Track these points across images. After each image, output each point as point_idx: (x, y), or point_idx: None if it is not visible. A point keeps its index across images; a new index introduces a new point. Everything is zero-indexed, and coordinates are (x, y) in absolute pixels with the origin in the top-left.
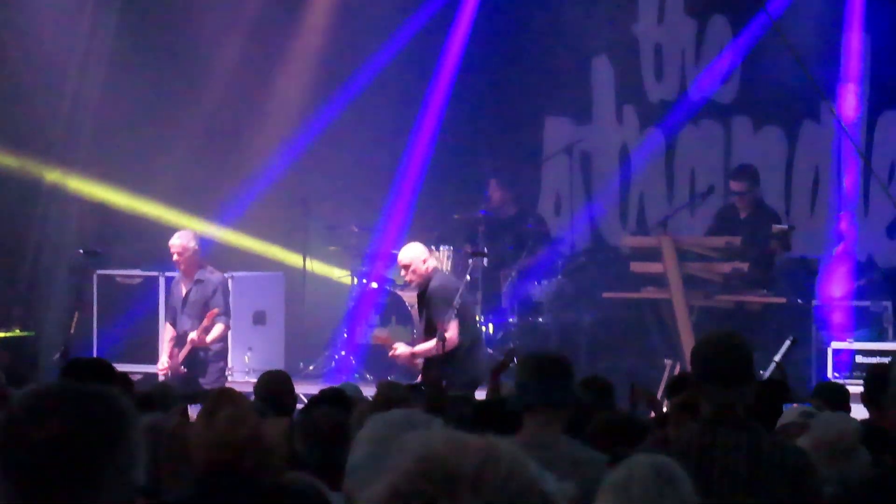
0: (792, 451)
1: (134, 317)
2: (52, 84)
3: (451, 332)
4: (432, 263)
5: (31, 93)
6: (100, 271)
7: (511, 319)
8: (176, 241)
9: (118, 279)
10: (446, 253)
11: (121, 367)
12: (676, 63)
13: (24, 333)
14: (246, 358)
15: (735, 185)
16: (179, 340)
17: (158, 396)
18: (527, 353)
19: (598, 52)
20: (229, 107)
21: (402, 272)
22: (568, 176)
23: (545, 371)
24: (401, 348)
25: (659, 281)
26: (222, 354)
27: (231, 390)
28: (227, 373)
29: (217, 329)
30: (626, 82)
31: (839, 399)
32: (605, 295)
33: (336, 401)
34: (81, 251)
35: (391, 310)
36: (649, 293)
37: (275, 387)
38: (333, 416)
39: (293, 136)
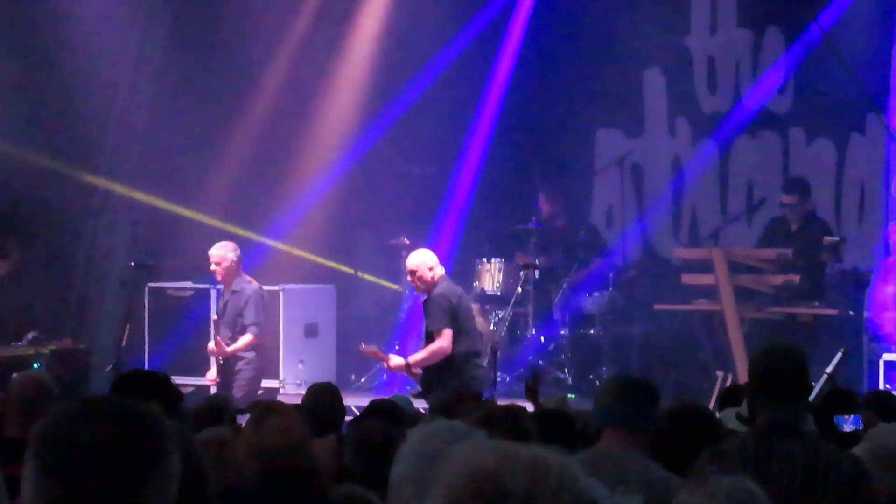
0: (848, 460)
1: (185, 329)
2: (103, 98)
3: (444, 340)
4: (439, 272)
5: (82, 107)
6: (151, 284)
7: (562, 332)
8: (214, 252)
9: (169, 292)
10: (498, 265)
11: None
12: (730, 74)
13: (76, 346)
14: (298, 370)
15: (786, 199)
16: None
17: (218, 408)
18: (613, 375)
19: (650, 65)
20: (280, 120)
21: (408, 277)
22: (619, 188)
23: (631, 394)
24: (394, 360)
25: (710, 293)
26: (254, 364)
27: (278, 402)
28: (260, 383)
29: (243, 339)
30: (678, 94)
31: (889, 407)
32: (657, 307)
33: (386, 413)
34: (133, 264)
35: None
36: (701, 305)
37: (323, 399)
38: (383, 428)
39: (345, 149)
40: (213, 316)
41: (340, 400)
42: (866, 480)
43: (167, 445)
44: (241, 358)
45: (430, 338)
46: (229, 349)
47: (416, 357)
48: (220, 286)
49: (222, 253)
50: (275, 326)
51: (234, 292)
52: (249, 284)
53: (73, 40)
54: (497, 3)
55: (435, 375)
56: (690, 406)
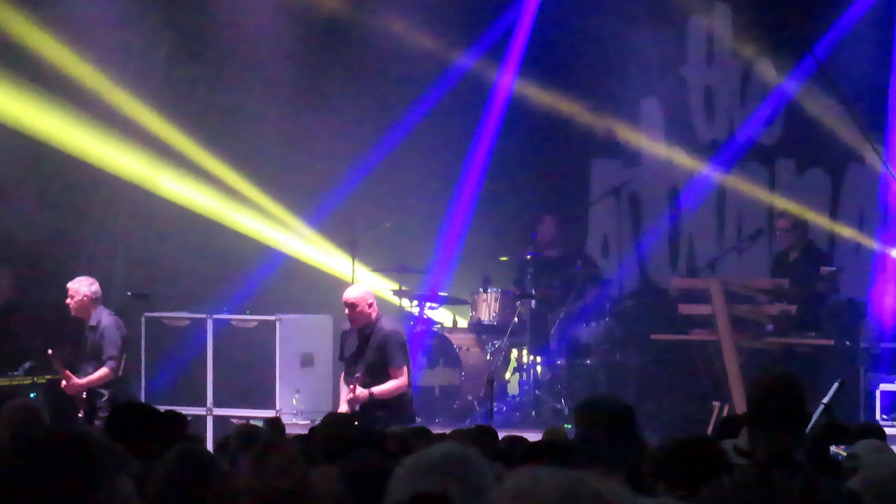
0: (846, 494)
1: (181, 359)
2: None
3: (405, 377)
4: (375, 308)
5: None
6: (147, 314)
7: (559, 361)
8: (70, 285)
9: (165, 321)
10: (494, 295)
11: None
12: (726, 104)
13: (72, 376)
14: (294, 400)
15: (780, 223)
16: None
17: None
18: (581, 404)
19: (648, 94)
20: (274, 148)
21: (346, 311)
22: (616, 217)
23: (602, 425)
24: (360, 390)
25: (707, 323)
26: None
27: (280, 439)
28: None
29: (98, 373)
30: (675, 123)
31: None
32: (654, 337)
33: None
34: (129, 293)
35: (439, 352)
36: (697, 335)
37: (335, 430)
38: (377, 459)
39: (341, 179)
40: (49, 351)
41: (353, 430)
42: None
43: (98, 474)
44: (101, 394)
45: (376, 371)
46: (82, 381)
47: (380, 389)
48: (216, 316)
49: (76, 286)
50: (271, 356)
51: (91, 327)
52: (108, 318)
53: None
54: (494, 32)
55: (385, 408)
56: (696, 438)
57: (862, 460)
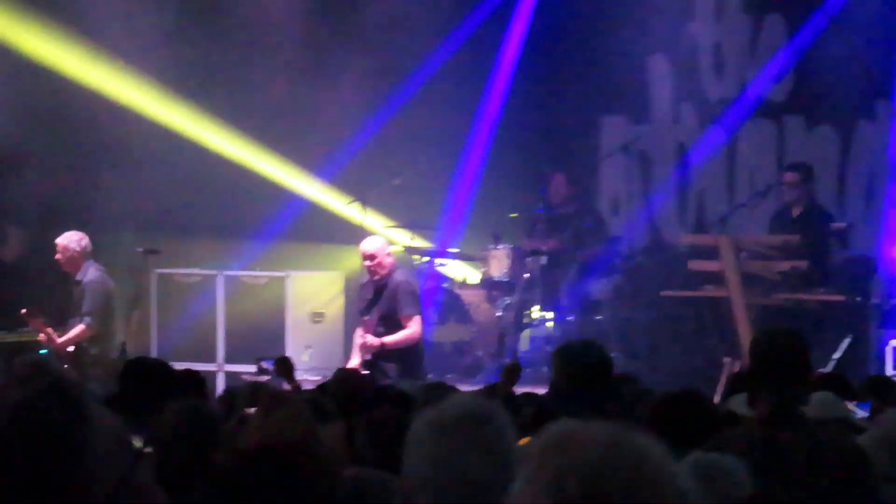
0: (850, 449)
1: (192, 315)
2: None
3: (417, 325)
4: (392, 259)
5: (86, 98)
6: (158, 270)
7: (570, 317)
8: (59, 240)
9: (176, 278)
10: (504, 251)
11: (179, 366)
12: (735, 61)
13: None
14: (304, 356)
15: (787, 177)
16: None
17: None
18: (558, 349)
19: (655, 51)
20: (284, 109)
21: (365, 262)
22: (625, 175)
23: (580, 378)
24: (370, 338)
25: (717, 279)
26: (96, 359)
27: (286, 392)
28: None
29: (74, 330)
30: (683, 81)
31: (887, 391)
32: (664, 293)
33: (397, 400)
34: (140, 250)
35: (449, 308)
36: (708, 291)
37: (348, 386)
38: (395, 416)
39: (349, 136)
40: (23, 310)
41: (365, 386)
42: (868, 469)
43: (80, 411)
44: (85, 353)
45: (387, 321)
46: (60, 340)
47: (392, 339)
48: (227, 272)
49: (64, 242)
50: (282, 312)
51: (76, 282)
52: (93, 272)
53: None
54: None
55: (398, 357)
56: (689, 393)
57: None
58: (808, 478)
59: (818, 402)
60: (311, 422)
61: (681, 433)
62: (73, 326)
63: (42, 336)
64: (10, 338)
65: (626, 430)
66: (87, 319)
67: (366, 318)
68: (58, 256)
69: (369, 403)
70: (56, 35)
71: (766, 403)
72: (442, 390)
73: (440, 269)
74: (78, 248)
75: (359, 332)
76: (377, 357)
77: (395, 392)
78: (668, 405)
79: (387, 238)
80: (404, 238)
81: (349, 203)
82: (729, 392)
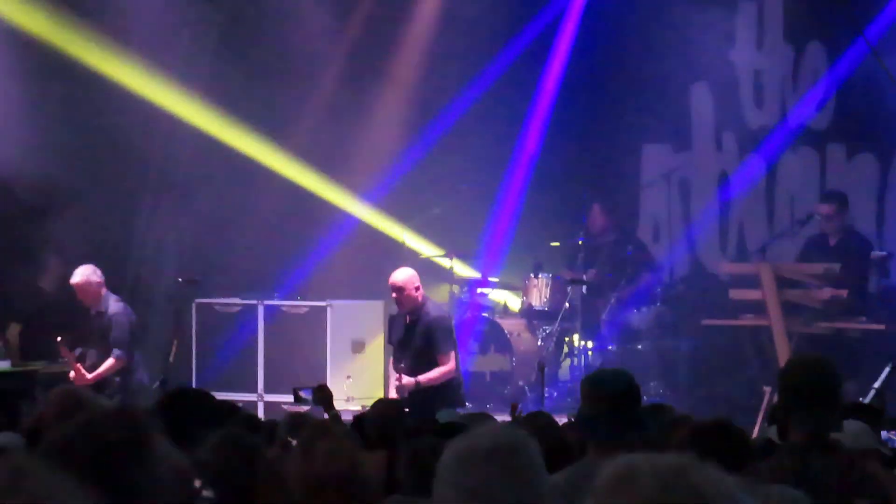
0: (882, 478)
1: (233, 345)
2: (149, 110)
3: (452, 363)
4: (421, 291)
5: (128, 123)
6: (198, 300)
7: (611, 347)
8: (77, 279)
9: (217, 308)
10: (545, 280)
11: (220, 396)
12: (776, 89)
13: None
14: (345, 386)
15: (824, 209)
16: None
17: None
18: (587, 377)
19: (697, 79)
20: (327, 136)
21: (393, 294)
22: (666, 203)
23: (609, 402)
24: (405, 378)
25: (758, 308)
26: (119, 389)
27: (328, 423)
28: None
29: (105, 364)
30: (724, 109)
31: None
32: (705, 322)
33: (440, 431)
34: (180, 280)
35: (490, 337)
36: (748, 320)
37: (386, 414)
38: (435, 445)
39: (391, 164)
40: (59, 338)
41: (403, 415)
42: None
43: (147, 437)
44: (109, 383)
45: (424, 358)
46: (90, 376)
47: (427, 377)
48: (268, 302)
49: (85, 279)
50: (322, 342)
51: (99, 313)
52: (116, 304)
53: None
54: (544, 17)
55: (434, 393)
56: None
57: None
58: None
59: (851, 433)
60: (354, 452)
61: (715, 461)
62: (90, 358)
63: (71, 374)
64: (54, 368)
65: (689, 463)
66: (118, 352)
67: (399, 353)
68: (79, 294)
69: (408, 433)
70: (101, 62)
71: (799, 431)
72: (483, 421)
73: (481, 298)
74: (98, 280)
75: (392, 367)
76: (413, 395)
77: (437, 423)
78: (702, 433)
79: (413, 270)
80: (445, 267)
81: (442, 256)
82: (769, 422)
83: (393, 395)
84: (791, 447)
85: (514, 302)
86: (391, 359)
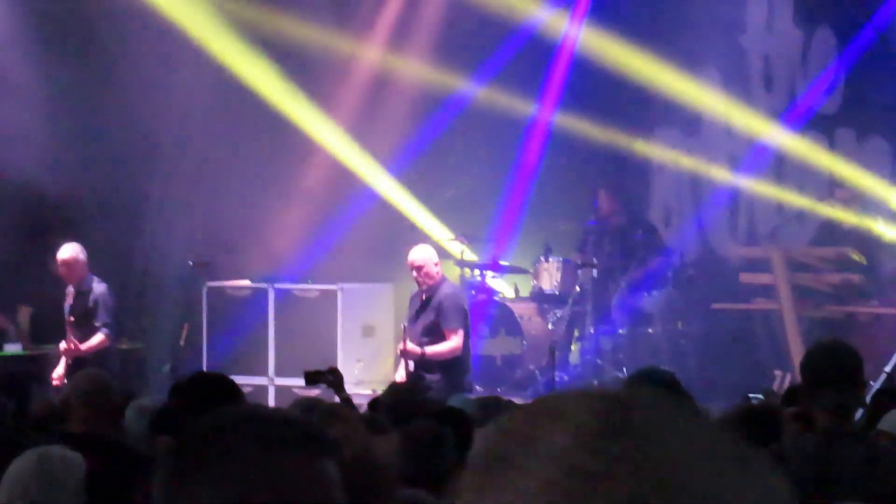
0: None
1: (243, 328)
2: (159, 97)
3: (459, 339)
4: (440, 269)
5: (140, 109)
6: (209, 283)
7: (621, 331)
8: (64, 255)
9: (227, 291)
10: (555, 264)
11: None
12: (785, 73)
13: (133, 346)
14: (356, 370)
15: (839, 193)
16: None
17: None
18: (636, 373)
19: (706, 63)
20: (337, 118)
21: (413, 273)
22: (676, 187)
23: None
24: (411, 345)
25: (769, 292)
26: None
27: (341, 407)
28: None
29: (96, 338)
30: (734, 92)
31: None
32: (715, 306)
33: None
34: (191, 263)
35: (500, 321)
36: (759, 304)
37: (401, 396)
38: (432, 427)
39: (402, 148)
40: (70, 318)
41: (419, 399)
42: None
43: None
44: (110, 363)
45: (432, 333)
46: (83, 346)
47: (434, 349)
48: (278, 285)
49: (73, 255)
50: (333, 326)
51: (81, 293)
52: (98, 285)
53: (132, 47)
54: (554, 1)
55: (442, 370)
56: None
57: None
58: (866, 489)
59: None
60: (367, 437)
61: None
62: (76, 334)
63: (62, 345)
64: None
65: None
66: (106, 330)
67: (407, 325)
68: (62, 270)
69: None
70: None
71: (822, 415)
72: (497, 405)
73: (491, 281)
74: (84, 259)
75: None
76: (420, 368)
77: (439, 406)
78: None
79: (431, 248)
80: (456, 250)
81: (451, 240)
82: (781, 405)
83: (401, 372)
84: (814, 433)
85: (524, 285)
86: (404, 338)
